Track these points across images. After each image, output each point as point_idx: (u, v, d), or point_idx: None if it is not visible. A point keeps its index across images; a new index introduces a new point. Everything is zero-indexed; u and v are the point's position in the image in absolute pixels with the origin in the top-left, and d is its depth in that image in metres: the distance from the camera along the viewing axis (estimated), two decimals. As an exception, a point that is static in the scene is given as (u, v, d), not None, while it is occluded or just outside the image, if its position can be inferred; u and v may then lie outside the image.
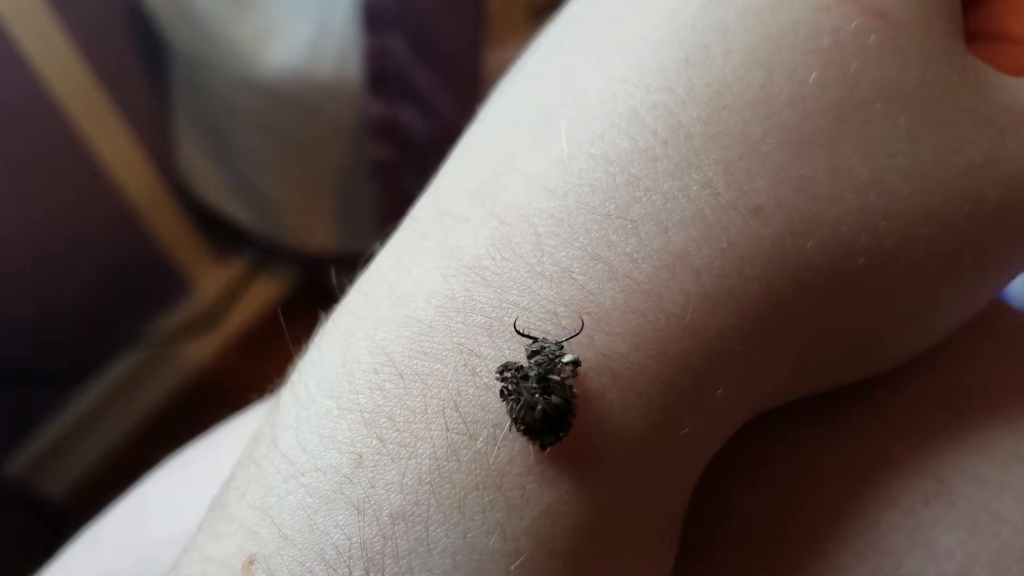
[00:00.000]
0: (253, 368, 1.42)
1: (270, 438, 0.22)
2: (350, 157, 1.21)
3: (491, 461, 0.20)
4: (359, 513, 0.20)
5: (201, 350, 1.49)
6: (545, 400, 0.20)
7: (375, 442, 0.20)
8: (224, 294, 1.52)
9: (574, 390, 0.21)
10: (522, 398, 0.20)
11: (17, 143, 1.11)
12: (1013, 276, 0.26)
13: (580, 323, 0.21)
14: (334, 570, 0.19)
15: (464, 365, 0.21)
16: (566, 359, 0.20)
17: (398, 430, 0.20)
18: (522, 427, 0.20)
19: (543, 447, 0.20)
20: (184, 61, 1.21)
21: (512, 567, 0.19)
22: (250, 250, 1.53)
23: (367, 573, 0.19)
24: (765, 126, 0.21)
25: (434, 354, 0.21)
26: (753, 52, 0.22)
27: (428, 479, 0.20)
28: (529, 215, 0.22)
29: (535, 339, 0.21)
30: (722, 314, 0.21)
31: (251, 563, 0.20)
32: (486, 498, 0.20)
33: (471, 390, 0.21)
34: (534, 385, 0.20)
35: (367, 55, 1.05)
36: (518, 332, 0.21)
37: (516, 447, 0.20)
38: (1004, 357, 0.27)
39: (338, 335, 0.23)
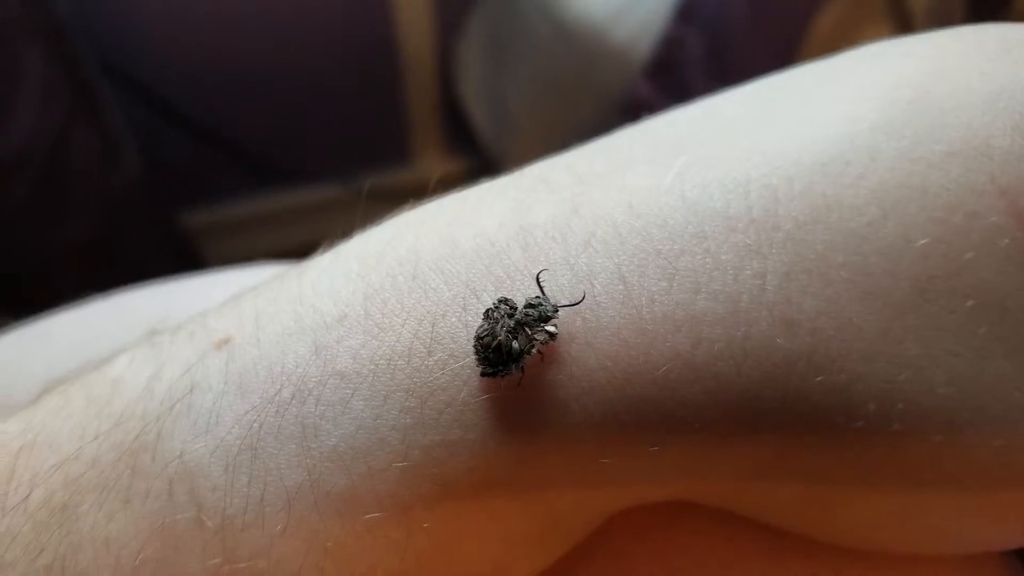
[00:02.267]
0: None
1: (303, 267, 0.25)
2: (601, 121, 1.22)
3: (429, 378, 0.22)
4: (316, 354, 0.22)
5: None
6: (506, 338, 0.21)
7: (361, 312, 0.23)
8: (436, 184, 1.58)
9: (534, 349, 0.22)
10: (493, 326, 0.22)
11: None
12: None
13: (583, 295, 0.22)
14: (271, 383, 0.22)
15: (462, 298, 0.23)
16: (548, 327, 0.22)
17: (383, 314, 0.23)
18: (478, 346, 0.22)
19: (482, 374, 0.22)
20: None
21: (395, 464, 0.21)
22: (476, 160, 1.59)
23: (292, 397, 0.22)
24: (848, 259, 0.21)
25: (447, 277, 0.23)
26: (884, 191, 0.21)
27: (376, 361, 0.22)
28: (598, 218, 0.23)
29: (542, 294, 0.22)
30: (697, 389, 0.21)
31: (226, 342, 0.23)
32: (408, 403, 0.22)
33: (453, 319, 0.22)
34: (510, 323, 0.22)
35: (663, 39, 1.05)
36: (537, 281, 0.22)
37: (456, 381, 0.22)
38: None
39: (398, 224, 0.26)
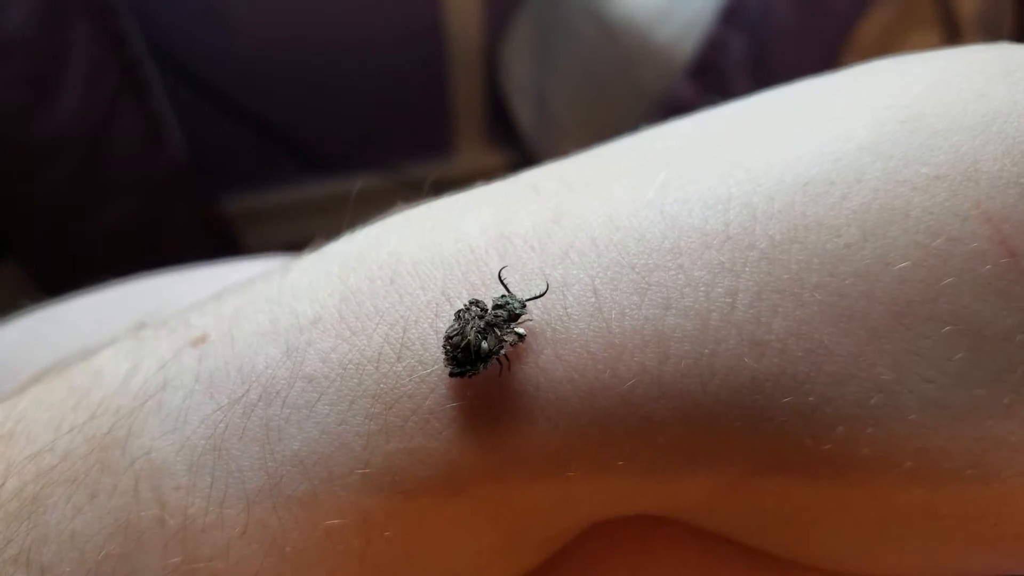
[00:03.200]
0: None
1: (287, 266, 0.25)
2: (642, 120, 1.21)
3: (396, 384, 0.22)
4: (287, 356, 0.22)
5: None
6: (475, 337, 0.21)
7: (336, 315, 0.23)
8: (476, 177, 1.58)
9: (503, 351, 0.22)
10: (463, 327, 0.22)
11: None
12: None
13: (546, 286, 0.22)
14: (240, 383, 0.22)
15: (436, 304, 0.23)
16: (518, 329, 0.22)
17: (357, 317, 0.23)
18: (447, 346, 0.22)
19: (450, 374, 0.22)
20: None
21: (357, 470, 0.21)
22: (518, 155, 1.58)
23: (259, 398, 0.22)
24: (822, 280, 0.21)
25: (424, 281, 0.23)
26: (865, 212, 0.21)
27: (345, 365, 0.22)
28: (578, 229, 0.23)
29: (507, 291, 0.22)
30: (662, 405, 0.21)
31: (202, 340, 0.24)
32: (373, 409, 0.21)
33: (425, 324, 0.22)
34: (480, 324, 0.22)
35: (706, 41, 1.04)
36: (500, 279, 0.22)
37: (423, 388, 0.22)
38: None
39: (385, 226, 0.26)
